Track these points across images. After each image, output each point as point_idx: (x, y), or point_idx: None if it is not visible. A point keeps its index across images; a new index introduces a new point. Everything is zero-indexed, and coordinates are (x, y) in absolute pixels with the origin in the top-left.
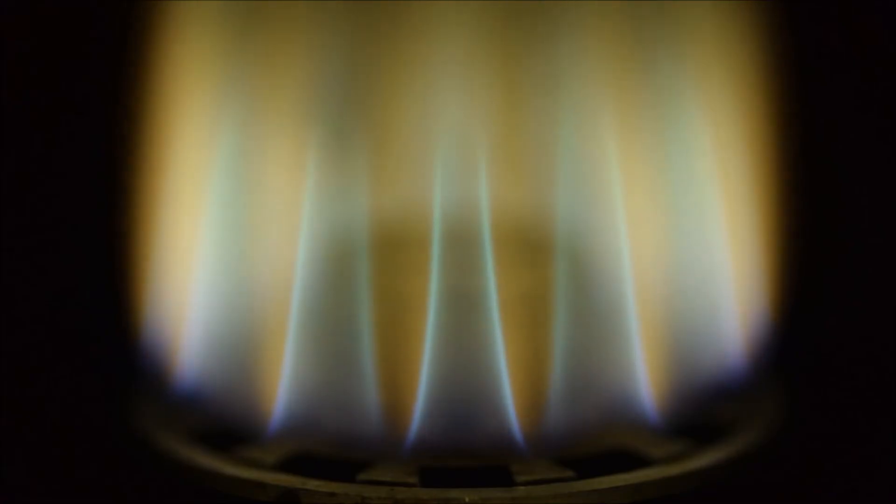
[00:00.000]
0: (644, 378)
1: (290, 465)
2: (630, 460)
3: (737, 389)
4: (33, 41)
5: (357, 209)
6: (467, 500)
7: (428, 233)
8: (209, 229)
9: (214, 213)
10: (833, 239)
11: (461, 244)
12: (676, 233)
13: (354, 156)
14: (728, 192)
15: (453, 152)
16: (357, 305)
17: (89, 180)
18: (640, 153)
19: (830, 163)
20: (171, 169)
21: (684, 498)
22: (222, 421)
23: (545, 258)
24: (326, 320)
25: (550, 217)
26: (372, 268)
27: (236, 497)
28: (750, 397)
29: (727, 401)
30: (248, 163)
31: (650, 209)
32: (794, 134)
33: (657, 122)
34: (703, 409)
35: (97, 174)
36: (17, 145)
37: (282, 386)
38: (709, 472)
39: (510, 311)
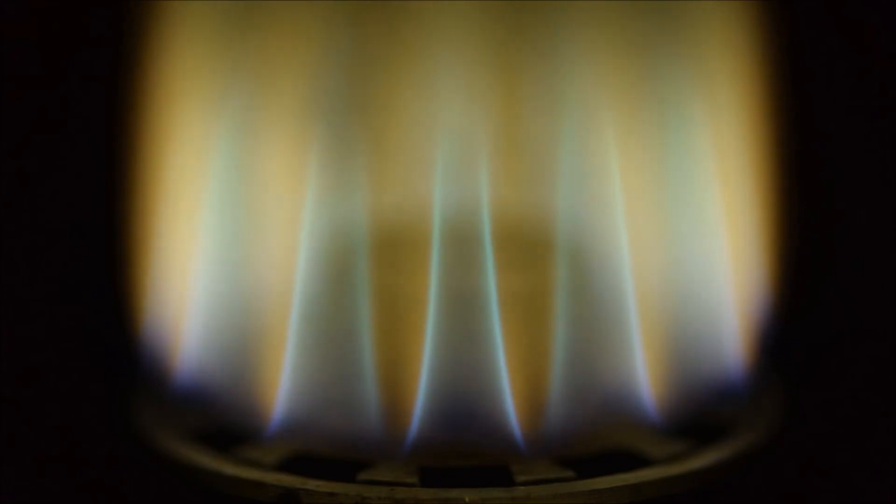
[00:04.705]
0: (644, 378)
1: (290, 465)
2: (630, 460)
3: (737, 389)
4: (33, 41)
5: (357, 209)
6: (467, 500)
7: (428, 233)
8: (209, 229)
9: (214, 212)
10: (833, 239)
11: (461, 244)
12: (677, 233)
13: (355, 155)
14: (728, 192)
15: (453, 152)
16: (357, 305)
17: (90, 180)
18: (641, 153)
19: (830, 163)
20: (172, 169)
21: (684, 498)
22: (222, 421)
23: (545, 258)
24: (326, 320)
25: (550, 217)
26: (372, 268)
27: (236, 497)
28: (750, 397)
29: (727, 400)
30: (248, 162)
31: (650, 209)
32: (793, 134)
33: (657, 122)
34: (703, 409)
35: (98, 174)
36: (18, 145)
37: (282, 386)
38: (709, 472)
39: (510, 311)
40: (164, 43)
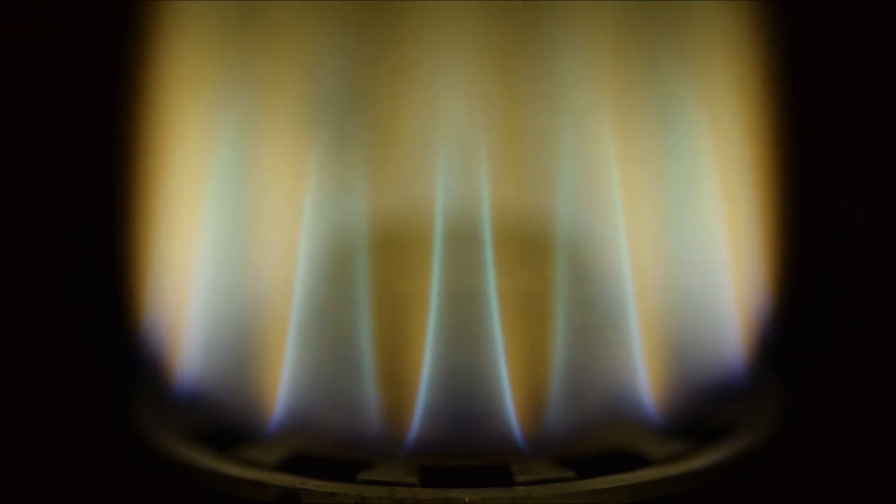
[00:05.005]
0: (644, 377)
1: (290, 465)
2: (630, 460)
3: (737, 389)
4: (33, 41)
5: (357, 209)
6: (467, 500)
7: (428, 233)
8: (209, 229)
9: (215, 212)
10: (833, 239)
11: (461, 244)
12: (676, 232)
13: (355, 155)
14: (728, 192)
15: (454, 152)
16: (357, 305)
17: (90, 180)
18: (640, 153)
19: (830, 163)
20: (172, 169)
21: (684, 498)
22: (222, 421)
23: (545, 258)
24: (327, 320)
25: (551, 217)
26: (372, 268)
27: (236, 497)
28: (750, 397)
29: (727, 401)
30: (249, 162)
31: (650, 209)
32: (793, 134)
33: (657, 121)
34: (703, 409)
35: (98, 174)
36: (17, 145)
37: (282, 386)
38: (709, 472)
39: (510, 311)
40: (164, 43)
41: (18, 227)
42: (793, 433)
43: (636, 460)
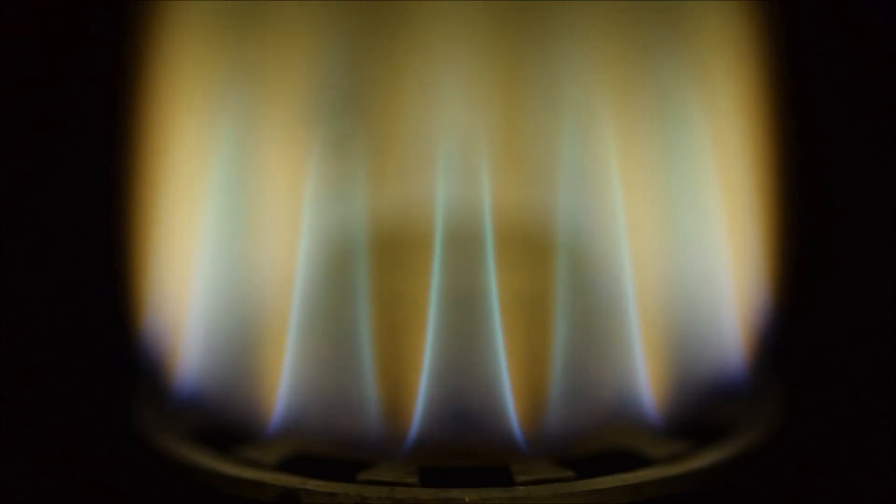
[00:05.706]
0: (644, 378)
1: (290, 465)
2: (630, 460)
3: (737, 389)
4: (33, 41)
5: (357, 209)
6: (467, 500)
7: (429, 233)
8: (209, 229)
9: (215, 212)
10: (833, 239)
11: (462, 244)
12: (677, 233)
13: (355, 155)
14: (728, 193)
15: (454, 152)
16: (357, 305)
17: (90, 180)
18: (641, 154)
19: (831, 163)
20: (172, 169)
21: (684, 498)
22: (222, 421)
23: (546, 258)
24: (327, 320)
25: (551, 217)
26: (372, 268)
27: (236, 497)
28: (750, 397)
29: (727, 401)
30: (248, 162)
31: (651, 210)
32: (793, 134)
33: (658, 122)
34: (703, 409)
35: (98, 174)
36: (18, 145)
37: (282, 386)
38: (709, 472)
39: (511, 312)
40: (164, 43)
41: (18, 227)
42: (793, 433)
43: (636, 460)
